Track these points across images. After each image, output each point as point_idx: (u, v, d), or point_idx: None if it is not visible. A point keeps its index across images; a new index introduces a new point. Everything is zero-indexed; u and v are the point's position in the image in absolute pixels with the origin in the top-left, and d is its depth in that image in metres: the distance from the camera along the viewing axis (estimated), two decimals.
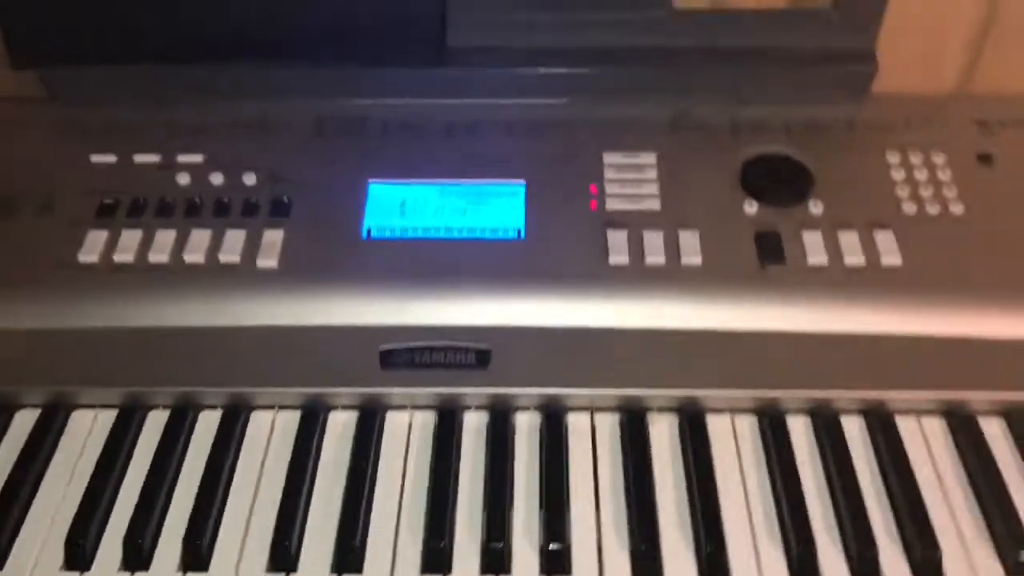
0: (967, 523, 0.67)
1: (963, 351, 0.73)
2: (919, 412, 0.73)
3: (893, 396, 0.73)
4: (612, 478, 0.69)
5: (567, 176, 0.83)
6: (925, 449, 0.71)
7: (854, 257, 0.77)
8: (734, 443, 0.72)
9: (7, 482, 0.68)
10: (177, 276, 0.77)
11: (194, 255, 0.77)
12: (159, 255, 0.77)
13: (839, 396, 0.73)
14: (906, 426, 0.72)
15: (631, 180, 0.82)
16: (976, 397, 0.73)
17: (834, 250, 0.78)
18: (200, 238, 0.78)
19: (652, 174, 0.83)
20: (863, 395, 0.73)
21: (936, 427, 0.73)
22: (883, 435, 0.71)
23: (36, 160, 0.84)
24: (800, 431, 0.73)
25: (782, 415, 0.73)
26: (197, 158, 0.84)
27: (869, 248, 0.78)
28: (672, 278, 0.77)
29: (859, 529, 0.65)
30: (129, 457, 0.71)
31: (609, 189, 0.82)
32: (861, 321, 0.74)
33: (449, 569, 0.64)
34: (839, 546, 0.65)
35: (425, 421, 0.73)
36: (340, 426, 0.73)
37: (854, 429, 0.73)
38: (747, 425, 0.73)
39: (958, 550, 0.65)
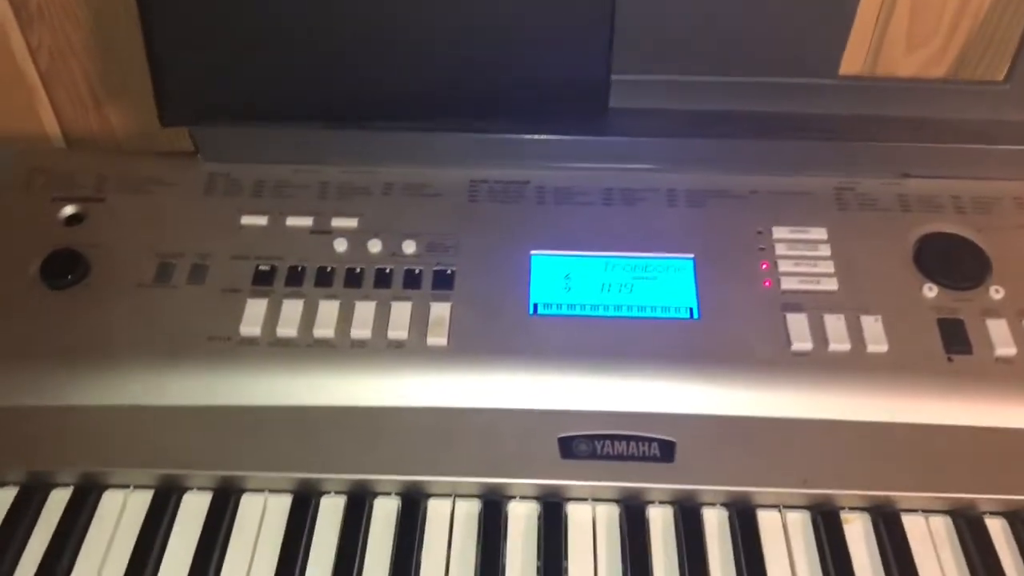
0: None
1: None
2: None
3: None
4: None
5: (735, 250, 0.80)
6: None
7: None
8: (932, 546, 0.69)
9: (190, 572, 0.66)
10: (344, 352, 0.74)
11: (361, 330, 0.75)
12: (324, 329, 0.75)
13: None
14: None
15: (805, 257, 0.80)
16: None
17: (1021, 340, 0.75)
18: (365, 311, 0.76)
19: (826, 251, 0.80)
20: None
21: None
22: None
23: (185, 221, 0.81)
24: (999, 534, 0.70)
25: (980, 517, 0.70)
26: (351, 223, 0.81)
27: None
28: (858, 367, 0.74)
29: None
30: (309, 546, 0.68)
31: (782, 266, 0.79)
32: None
33: None
34: None
35: (610, 514, 0.70)
36: (521, 518, 0.70)
37: None
38: (943, 526, 0.70)
39: None
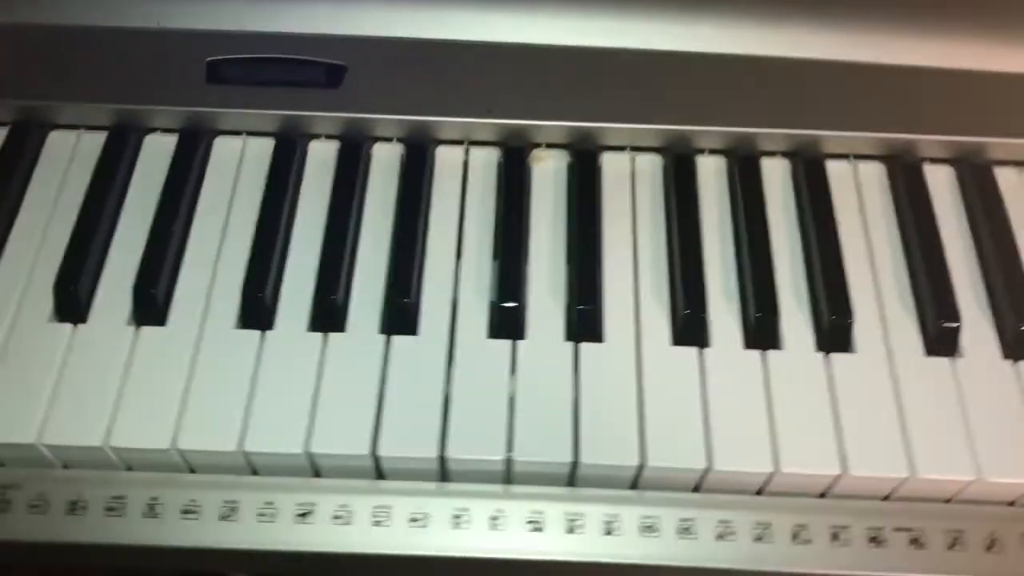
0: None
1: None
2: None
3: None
4: (480, 222, 0.58)
5: None
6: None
7: None
8: (631, 185, 0.60)
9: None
10: None
11: None
12: None
13: (766, 133, 0.60)
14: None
15: None
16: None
17: None
18: None
19: None
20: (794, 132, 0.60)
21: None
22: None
23: None
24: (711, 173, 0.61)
25: (692, 155, 0.61)
26: None
27: None
28: None
29: (761, 294, 0.55)
30: None
31: None
32: (803, 44, 0.61)
33: (271, 325, 0.54)
34: (735, 309, 0.55)
35: (261, 149, 0.60)
36: (157, 150, 0.60)
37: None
38: (648, 164, 0.61)
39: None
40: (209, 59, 0.60)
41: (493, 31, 0.61)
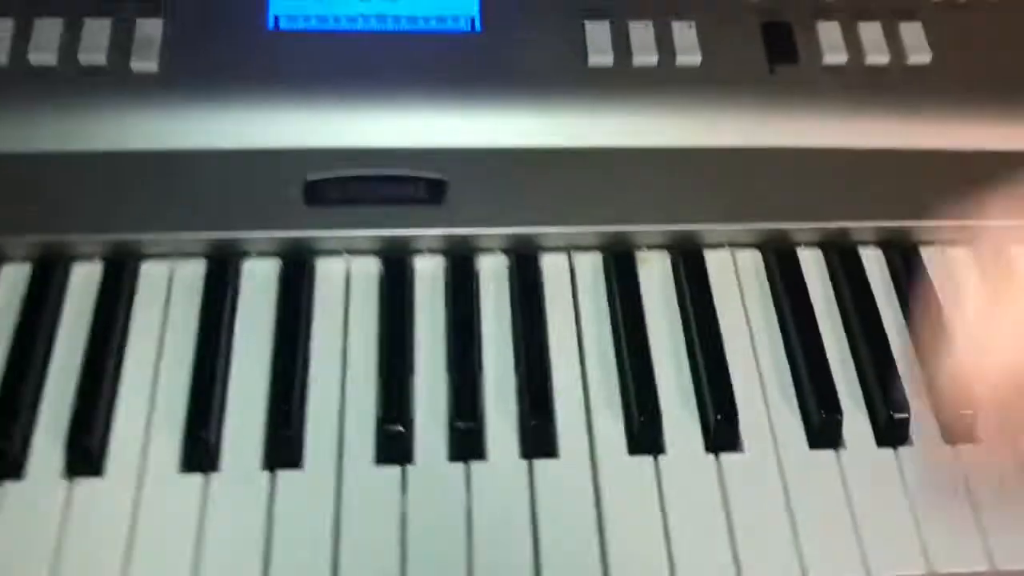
0: None
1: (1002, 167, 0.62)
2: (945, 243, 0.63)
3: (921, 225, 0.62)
4: (597, 330, 0.58)
5: None
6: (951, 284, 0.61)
7: (877, 55, 0.64)
8: (736, 282, 0.60)
9: None
10: (22, 83, 0.58)
11: (42, 54, 0.59)
12: None
13: (858, 226, 0.61)
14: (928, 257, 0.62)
15: None
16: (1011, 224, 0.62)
17: (854, 45, 0.64)
18: (48, 31, 0.59)
19: None
20: (885, 224, 0.61)
21: (964, 258, 0.62)
22: (906, 270, 0.61)
23: None
24: (812, 265, 0.61)
25: (792, 248, 0.61)
26: None
27: (894, 42, 0.65)
28: (666, 83, 0.62)
29: (887, 382, 0.56)
30: None
31: None
32: (887, 134, 0.62)
33: (410, 458, 0.52)
34: (863, 406, 0.56)
35: (367, 269, 0.59)
36: (259, 277, 0.58)
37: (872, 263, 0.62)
38: (750, 260, 0.61)
39: None
40: (308, 179, 0.58)
41: (589, 136, 0.61)
